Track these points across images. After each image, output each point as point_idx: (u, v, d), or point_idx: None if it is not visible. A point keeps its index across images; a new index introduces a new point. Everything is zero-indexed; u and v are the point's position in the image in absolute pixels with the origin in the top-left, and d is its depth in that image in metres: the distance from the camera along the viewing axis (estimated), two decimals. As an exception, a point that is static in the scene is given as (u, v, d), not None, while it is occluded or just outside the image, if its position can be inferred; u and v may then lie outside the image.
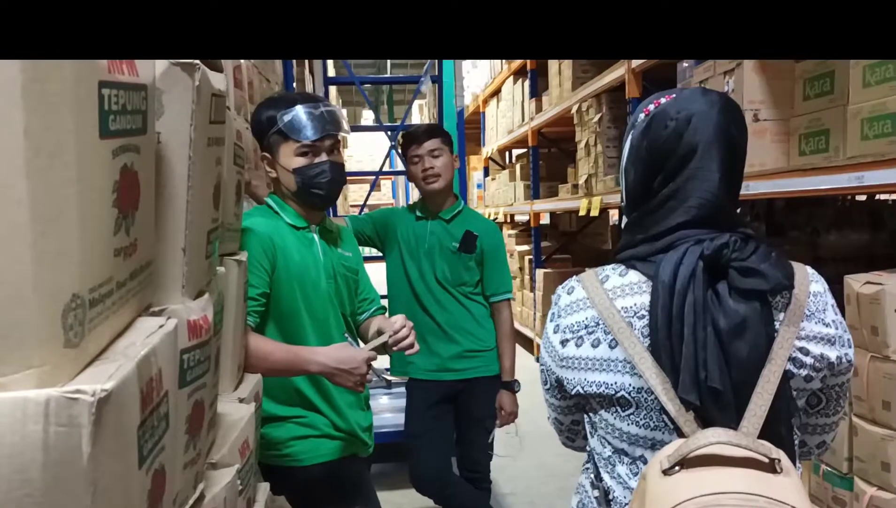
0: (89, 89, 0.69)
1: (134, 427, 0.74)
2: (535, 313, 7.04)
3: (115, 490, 0.70)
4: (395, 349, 1.91)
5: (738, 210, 1.16)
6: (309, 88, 4.12)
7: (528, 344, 7.20)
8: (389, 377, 4.36)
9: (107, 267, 0.75)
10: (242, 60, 2.41)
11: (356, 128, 10.77)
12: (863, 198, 4.67)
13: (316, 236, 2.03)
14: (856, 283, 2.26)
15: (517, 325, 7.12)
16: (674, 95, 1.15)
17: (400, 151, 2.93)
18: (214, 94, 1.05)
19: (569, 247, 7.72)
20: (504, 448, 2.97)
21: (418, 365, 2.84)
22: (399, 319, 1.94)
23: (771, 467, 0.94)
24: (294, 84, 3.63)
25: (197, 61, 0.97)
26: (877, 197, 4.99)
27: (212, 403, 1.22)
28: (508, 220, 8.96)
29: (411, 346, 1.91)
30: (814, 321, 1.10)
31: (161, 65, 0.92)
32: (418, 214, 2.86)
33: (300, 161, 1.93)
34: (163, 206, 0.95)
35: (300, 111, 1.91)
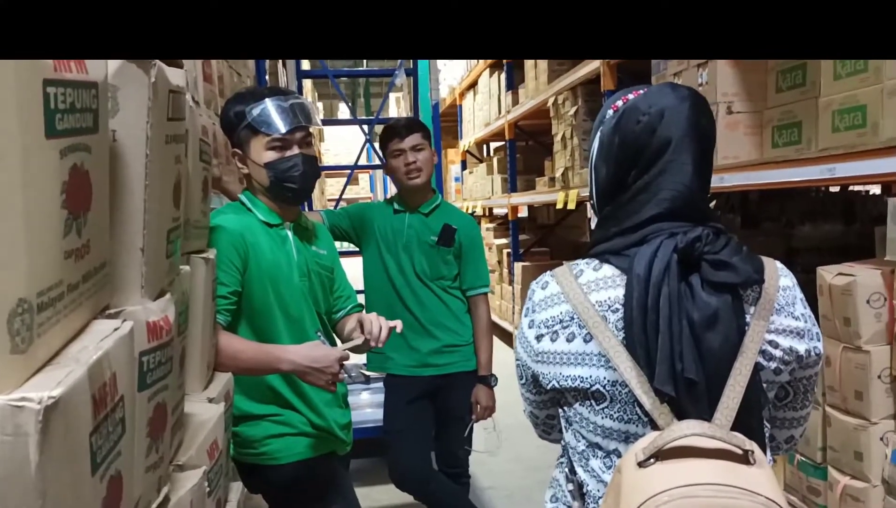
0: (33, 88, 0.67)
1: (86, 434, 0.72)
2: (513, 307, 7.05)
3: (67, 498, 0.68)
4: (374, 345, 1.91)
5: (712, 203, 1.17)
6: (282, 81, 4.08)
7: (507, 338, 7.21)
8: (368, 373, 4.34)
9: (56, 270, 0.73)
10: (212, 55, 2.38)
11: (332, 122, 10.73)
12: (836, 189, 4.71)
13: (290, 234, 2.01)
14: (828, 274, 2.28)
15: (496, 318, 7.13)
16: (642, 91, 1.15)
17: (378, 144, 2.91)
18: (172, 90, 1.02)
19: (547, 240, 7.73)
20: (483, 444, 2.97)
21: (396, 361, 2.83)
22: (373, 317, 1.93)
23: (744, 458, 0.94)
24: (267, 77, 3.60)
25: (153, 57, 0.95)
26: (849, 188, 5.04)
27: (177, 404, 1.20)
28: (486, 213, 8.95)
29: (387, 338, 1.91)
30: (783, 315, 1.11)
31: (115, 61, 0.90)
32: (396, 207, 2.84)
33: (272, 155, 1.91)
34: (119, 205, 0.93)
35: (269, 105, 1.89)
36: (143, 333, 0.95)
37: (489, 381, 2.85)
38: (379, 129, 3.11)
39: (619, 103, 1.16)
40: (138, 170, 0.94)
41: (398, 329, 1.95)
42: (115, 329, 0.83)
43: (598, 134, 1.20)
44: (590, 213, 1.28)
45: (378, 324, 1.90)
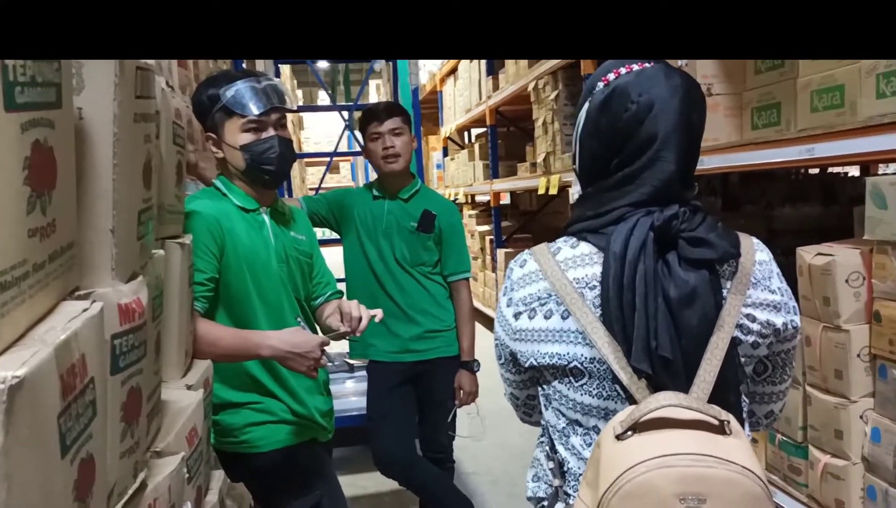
0: (-10, 59, 0.65)
1: (54, 416, 0.70)
2: (496, 294, 7.05)
3: (34, 481, 0.67)
4: (357, 334, 1.90)
5: (694, 183, 1.16)
6: (259, 66, 4.03)
7: (490, 324, 7.20)
8: (351, 361, 4.33)
9: (20, 248, 0.71)
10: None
11: (311, 108, 10.65)
12: (815, 171, 4.73)
13: (266, 218, 1.99)
14: (807, 254, 2.29)
15: (478, 305, 7.13)
16: (634, 69, 1.12)
17: (358, 127, 2.89)
18: (140, 67, 1.00)
19: (529, 226, 7.73)
20: (468, 430, 2.98)
21: (379, 347, 2.82)
22: (353, 305, 1.92)
23: (720, 429, 0.95)
24: (244, 64, 3.55)
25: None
26: (829, 170, 5.07)
27: (153, 391, 1.18)
28: (469, 200, 8.94)
29: (365, 328, 1.90)
30: (760, 289, 1.12)
31: (80, 36, 0.88)
32: (375, 193, 2.83)
33: (247, 137, 1.89)
34: (87, 185, 0.91)
35: (243, 86, 1.86)
36: (115, 315, 0.93)
37: (472, 366, 2.85)
38: (359, 114, 3.08)
39: (611, 77, 1.13)
40: (106, 149, 0.92)
41: (377, 318, 1.94)
42: (84, 310, 0.81)
43: (586, 107, 1.18)
44: (574, 189, 1.28)
45: (358, 312, 1.89)
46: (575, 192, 1.35)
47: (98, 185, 0.92)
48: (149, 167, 1.10)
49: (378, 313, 1.93)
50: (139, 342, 1.01)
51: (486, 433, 3.31)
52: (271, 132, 1.91)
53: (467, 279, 2.91)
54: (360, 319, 1.88)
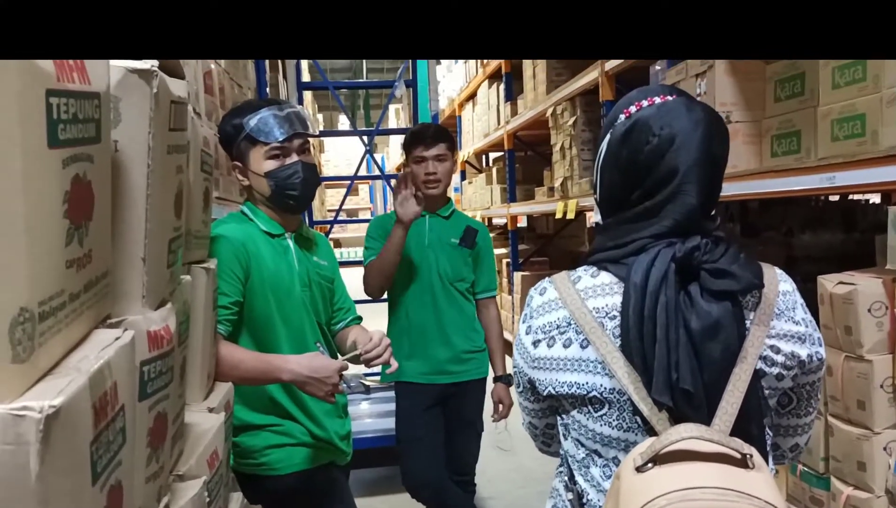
0: (36, 99, 0.67)
1: (86, 443, 0.72)
2: (513, 316, 7.04)
3: (67, 508, 0.68)
4: (368, 365, 1.91)
5: (714, 213, 1.16)
6: (283, 93, 4.09)
7: (507, 347, 7.18)
8: (368, 383, 4.34)
9: (58, 279, 0.73)
10: (213, 66, 2.39)
11: (332, 133, 10.76)
12: (836, 198, 4.71)
13: (291, 244, 2.02)
14: (829, 283, 2.28)
15: (496, 328, 7.09)
16: (656, 102, 1.12)
17: (402, 145, 2.92)
18: (174, 101, 1.03)
19: (546, 250, 7.73)
20: (498, 444, 2.97)
21: (412, 368, 2.83)
22: (375, 333, 1.93)
23: (743, 462, 0.94)
24: (267, 89, 3.60)
25: (155, 68, 0.95)
26: (849, 197, 5.04)
27: (177, 414, 1.20)
28: (486, 223, 8.96)
29: (386, 362, 1.91)
30: (783, 320, 1.11)
31: (117, 72, 0.90)
32: None
33: (271, 164, 1.92)
34: (121, 215, 0.93)
35: (265, 114, 1.90)
36: (144, 342, 0.95)
37: (507, 380, 2.89)
38: (378, 140, 3.12)
39: (633, 109, 1.13)
40: (140, 180, 0.94)
41: (391, 369, 1.96)
42: (117, 338, 0.83)
43: (608, 138, 1.17)
44: (595, 217, 1.28)
45: (380, 347, 1.90)
46: (595, 219, 1.34)
47: (131, 215, 0.94)
48: (180, 197, 1.13)
49: (394, 365, 1.95)
50: (166, 368, 1.03)
51: (506, 453, 3.33)
52: (294, 158, 1.93)
53: (495, 297, 2.98)
54: (376, 345, 1.90)
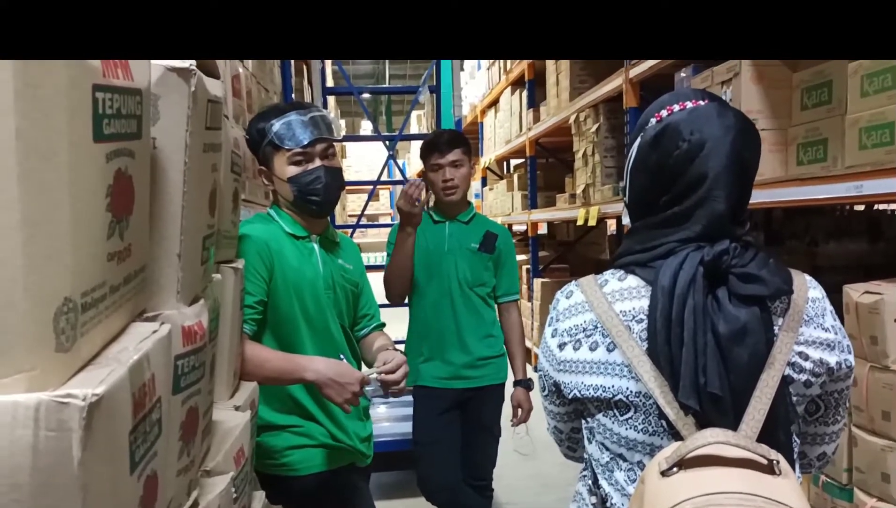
0: (83, 93, 0.69)
1: (126, 433, 0.73)
2: (532, 323, 7.03)
3: (106, 495, 0.70)
4: (384, 389, 1.93)
5: (744, 218, 1.15)
6: (307, 97, 4.12)
7: (527, 352, 7.19)
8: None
9: (100, 271, 0.75)
10: (241, 70, 2.42)
11: (355, 138, 10.82)
12: (861, 207, 4.66)
13: (316, 247, 2.03)
14: (854, 292, 2.26)
15: (516, 335, 7.08)
16: (688, 107, 1.11)
17: (419, 154, 2.94)
18: (210, 100, 1.04)
19: (566, 256, 7.71)
20: (518, 448, 2.96)
21: (429, 373, 2.84)
22: (396, 359, 1.94)
23: (769, 468, 0.93)
24: (293, 94, 3.63)
25: (193, 67, 0.97)
26: (875, 207, 4.99)
27: (206, 410, 1.21)
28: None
29: (399, 389, 1.93)
30: (812, 326, 1.10)
31: (157, 70, 0.92)
32: (435, 218, 2.87)
33: (294, 169, 1.93)
34: (158, 211, 0.95)
35: (290, 119, 1.91)
36: (179, 337, 0.97)
37: (527, 384, 2.88)
38: (400, 146, 3.14)
39: (664, 113, 1.13)
40: (177, 177, 0.96)
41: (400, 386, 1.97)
42: (154, 332, 0.84)
43: (638, 141, 1.17)
44: (612, 228, 1.27)
45: (397, 374, 1.91)
46: (625, 222, 1.33)
47: (168, 211, 0.96)
48: (214, 195, 1.14)
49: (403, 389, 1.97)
50: (199, 364, 1.05)
51: (525, 458, 3.32)
52: (317, 162, 1.94)
53: (517, 301, 2.98)
54: (392, 370, 1.91)
